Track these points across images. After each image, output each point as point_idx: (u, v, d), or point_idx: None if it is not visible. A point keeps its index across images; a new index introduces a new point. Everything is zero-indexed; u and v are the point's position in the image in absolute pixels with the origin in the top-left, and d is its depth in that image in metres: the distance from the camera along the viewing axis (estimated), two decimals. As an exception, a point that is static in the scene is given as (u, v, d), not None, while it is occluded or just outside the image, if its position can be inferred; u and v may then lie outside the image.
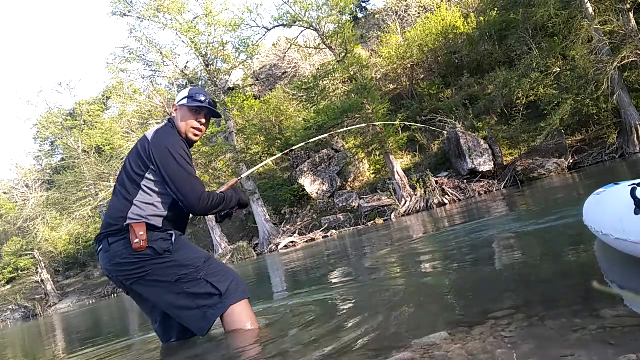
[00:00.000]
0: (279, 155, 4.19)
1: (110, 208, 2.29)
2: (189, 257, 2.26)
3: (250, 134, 20.04)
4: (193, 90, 2.42)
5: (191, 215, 2.43)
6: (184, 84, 22.29)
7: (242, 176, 3.42)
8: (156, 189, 2.22)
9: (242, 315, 2.23)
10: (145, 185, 2.22)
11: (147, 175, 2.22)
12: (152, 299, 2.27)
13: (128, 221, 2.17)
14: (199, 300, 2.19)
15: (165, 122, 2.41)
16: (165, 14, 18.38)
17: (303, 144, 3.95)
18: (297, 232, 17.36)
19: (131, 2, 18.72)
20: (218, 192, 2.38)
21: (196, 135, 2.39)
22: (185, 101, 2.37)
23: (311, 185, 19.08)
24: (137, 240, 2.14)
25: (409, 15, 23.89)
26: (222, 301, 2.20)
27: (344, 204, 17.32)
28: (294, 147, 3.94)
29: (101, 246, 2.26)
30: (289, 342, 1.94)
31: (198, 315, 2.19)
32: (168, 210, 2.25)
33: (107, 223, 2.25)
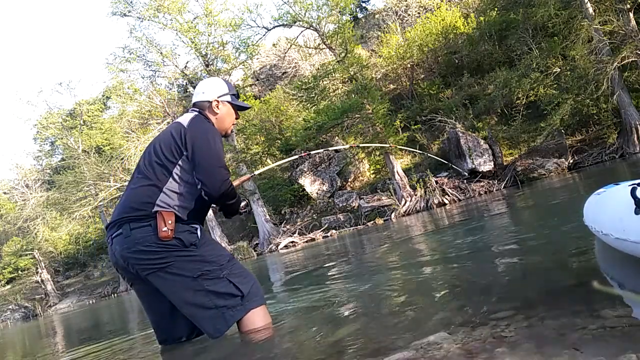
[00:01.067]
0: (296, 157, 4.13)
1: (134, 192, 2.15)
2: (214, 253, 2.19)
3: (250, 134, 20.04)
4: (232, 87, 2.47)
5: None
6: (184, 84, 22.30)
7: (256, 173, 3.30)
8: (186, 179, 2.15)
9: (261, 320, 2.18)
10: (176, 173, 2.13)
11: (179, 162, 2.14)
12: (167, 293, 2.13)
13: (156, 208, 2.06)
14: (218, 299, 2.10)
15: (195, 112, 2.34)
16: (165, 14, 18.39)
17: (322, 150, 3.91)
18: (297, 232, 17.36)
19: (131, 2, 18.74)
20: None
21: (231, 129, 2.53)
22: (229, 98, 2.42)
23: (311, 185, 19.08)
24: (165, 229, 2.03)
25: (409, 15, 23.88)
26: (242, 303, 2.13)
27: (344, 204, 17.32)
28: (311, 152, 3.88)
29: (119, 231, 2.10)
30: (289, 342, 1.94)
31: (215, 316, 2.10)
32: (194, 203, 2.19)
33: (129, 207, 2.11)
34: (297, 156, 3.99)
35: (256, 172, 3.24)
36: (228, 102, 2.42)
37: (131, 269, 2.13)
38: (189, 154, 2.12)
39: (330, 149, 3.97)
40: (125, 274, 2.24)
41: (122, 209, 2.14)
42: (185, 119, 2.26)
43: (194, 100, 2.43)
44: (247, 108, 2.59)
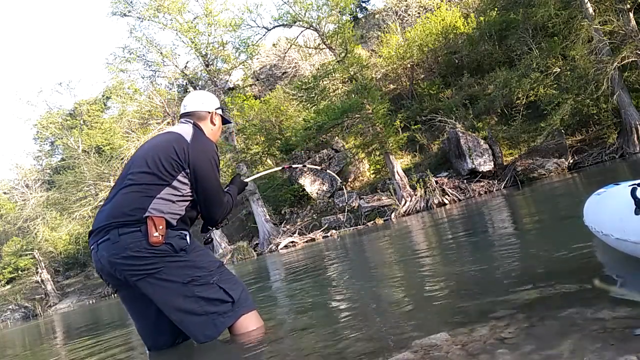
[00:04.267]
0: (279, 168, 4.14)
1: (125, 197, 2.11)
2: (203, 259, 2.19)
3: (250, 134, 20.03)
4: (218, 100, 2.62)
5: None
6: (184, 84, 22.29)
7: (249, 179, 3.13)
8: (182, 191, 2.16)
9: (254, 323, 2.17)
10: (172, 185, 2.14)
11: (178, 177, 2.14)
12: (156, 299, 2.10)
13: (148, 213, 2.04)
14: (208, 305, 2.08)
15: (190, 124, 2.35)
16: (165, 14, 18.39)
17: (300, 165, 3.88)
18: (297, 232, 17.35)
19: (131, 2, 18.74)
20: (228, 197, 2.37)
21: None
22: (221, 111, 2.53)
23: (311, 185, 19.08)
24: (156, 234, 2.01)
25: (409, 15, 23.88)
26: (233, 309, 2.12)
27: (344, 204, 17.32)
28: (293, 166, 3.89)
29: (106, 237, 2.06)
30: (289, 343, 1.94)
31: (205, 322, 2.08)
32: (185, 212, 2.19)
33: (119, 212, 2.07)
34: (280, 168, 4.07)
35: (249, 179, 3.04)
36: (220, 115, 2.52)
37: (118, 275, 2.09)
38: (191, 174, 2.16)
39: (310, 165, 3.92)
40: (110, 280, 2.19)
41: (111, 214, 2.10)
42: (186, 132, 2.27)
43: (192, 108, 2.41)
44: (230, 122, 2.78)
